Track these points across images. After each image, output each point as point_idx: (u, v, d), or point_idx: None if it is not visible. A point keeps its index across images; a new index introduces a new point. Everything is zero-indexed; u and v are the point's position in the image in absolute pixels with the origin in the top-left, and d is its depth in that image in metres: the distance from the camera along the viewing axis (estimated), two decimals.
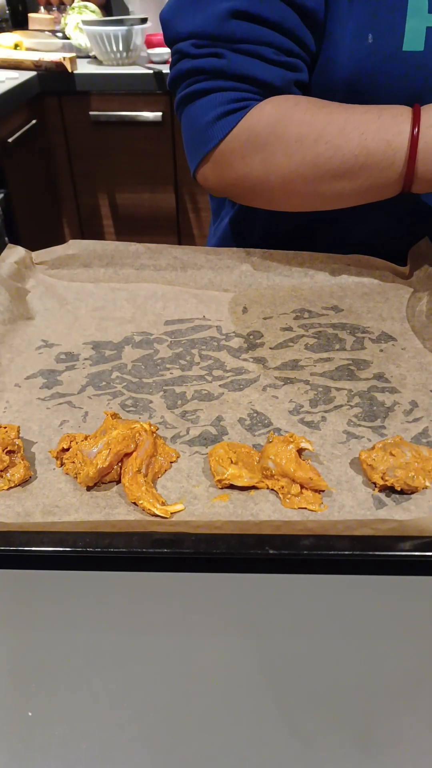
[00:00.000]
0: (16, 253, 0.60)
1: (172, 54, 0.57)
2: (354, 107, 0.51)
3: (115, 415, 0.41)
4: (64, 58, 1.52)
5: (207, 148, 0.55)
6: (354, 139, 0.50)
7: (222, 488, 0.37)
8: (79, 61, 1.63)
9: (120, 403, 0.45)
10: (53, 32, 1.83)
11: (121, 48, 1.58)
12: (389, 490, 0.37)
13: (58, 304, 0.57)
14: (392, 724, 0.28)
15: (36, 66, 1.55)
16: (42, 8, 1.94)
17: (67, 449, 0.39)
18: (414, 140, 0.48)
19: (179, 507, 0.36)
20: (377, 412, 0.44)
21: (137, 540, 0.34)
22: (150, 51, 1.62)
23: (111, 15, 1.90)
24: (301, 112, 0.52)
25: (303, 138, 0.51)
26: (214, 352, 0.51)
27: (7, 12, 1.93)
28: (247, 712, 0.29)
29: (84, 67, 1.61)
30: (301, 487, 0.36)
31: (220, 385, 0.47)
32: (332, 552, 0.33)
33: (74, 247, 0.62)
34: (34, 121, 1.57)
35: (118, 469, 0.38)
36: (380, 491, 0.37)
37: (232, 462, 0.37)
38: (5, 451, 0.38)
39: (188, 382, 0.47)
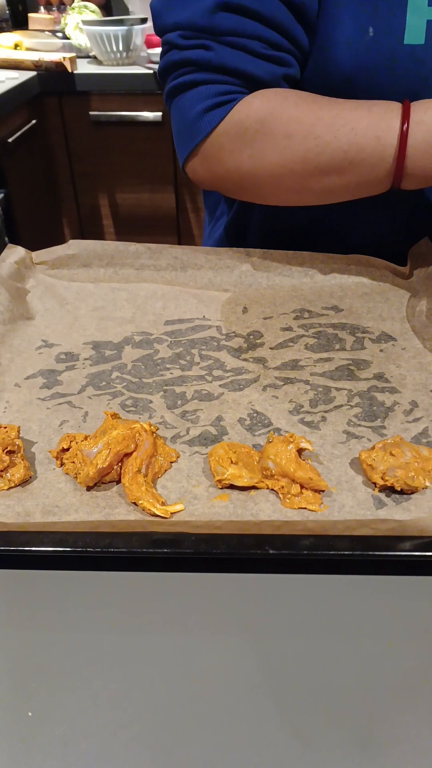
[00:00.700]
0: (16, 253, 0.60)
1: (162, 44, 0.56)
2: (343, 102, 0.51)
3: (115, 415, 0.41)
4: (64, 58, 1.52)
5: (195, 142, 0.55)
6: (344, 135, 0.49)
7: (222, 488, 0.37)
8: (79, 61, 1.63)
9: (120, 403, 0.45)
10: (53, 32, 1.83)
11: (121, 48, 1.58)
12: (389, 490, 0.37)
13: (58, 304, 0.57)
14: (392, 724, 0.28)
15: (36, 66, 1.55)
16: (42, 8, 1.94)
17: (67, 449, 0.39)
18: (403, 136, 0.48)
19: (179, 507, 0.36)
20: (377, 412, 0.44)
21: (137, 540, 0.34)
22: (150, 51, 1.63)
23: (111, 15, 1.91)
24: (290, 107, 0.51)
25: (292, 134, 0.51)
26: (214, 352, 0.51)
27: (7, 12, 1.93)
28: (247, 712, 0.29)
29: (84, 67, 1.61)
30: (301, 487, 0.36)
31: (220, 385, 0.47)
32: (332, 552, 0.33)
33: (74, 247, 0.62)
34: (34, 121, 1.57)
35: (118, 469, 0.38)
36: (380, 491, 0.37)
37: (232, 462, 0.37)
38: (5, 451, 0.38)
39: (188, 382, 0.47)
